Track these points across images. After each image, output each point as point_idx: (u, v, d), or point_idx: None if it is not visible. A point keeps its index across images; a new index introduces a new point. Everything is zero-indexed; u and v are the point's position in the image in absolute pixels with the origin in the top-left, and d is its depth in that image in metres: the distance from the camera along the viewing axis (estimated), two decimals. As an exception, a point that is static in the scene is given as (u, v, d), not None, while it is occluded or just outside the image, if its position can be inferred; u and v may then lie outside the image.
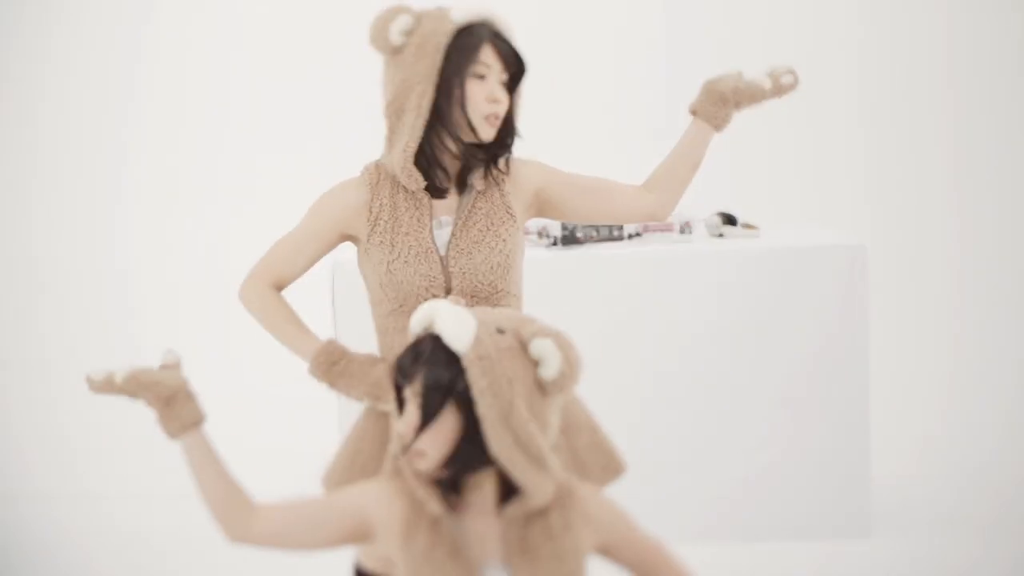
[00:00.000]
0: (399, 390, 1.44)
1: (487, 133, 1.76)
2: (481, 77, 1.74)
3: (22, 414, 3.86)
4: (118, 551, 3.08)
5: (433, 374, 1.40)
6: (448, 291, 1.77)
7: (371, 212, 1.79)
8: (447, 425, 1.40)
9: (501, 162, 1.82)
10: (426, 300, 1.71)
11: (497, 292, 1.81)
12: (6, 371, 3.99)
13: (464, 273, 1.78)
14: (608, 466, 1.88)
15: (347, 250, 1.92)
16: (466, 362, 1.39)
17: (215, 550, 2.86)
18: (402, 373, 1.41)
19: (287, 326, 1.82)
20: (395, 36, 1.74)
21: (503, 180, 1.83)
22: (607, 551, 1.50)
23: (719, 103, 1.86)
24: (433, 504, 1.42)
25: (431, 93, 1.73)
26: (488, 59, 1.73)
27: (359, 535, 1.45)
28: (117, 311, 4.18)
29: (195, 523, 3.10)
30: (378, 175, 1.81)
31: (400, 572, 1.44)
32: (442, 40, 1.72)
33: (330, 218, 1.82)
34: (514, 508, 1.43)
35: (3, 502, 3.43)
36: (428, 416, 1.40)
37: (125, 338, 4.03)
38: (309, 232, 1.83)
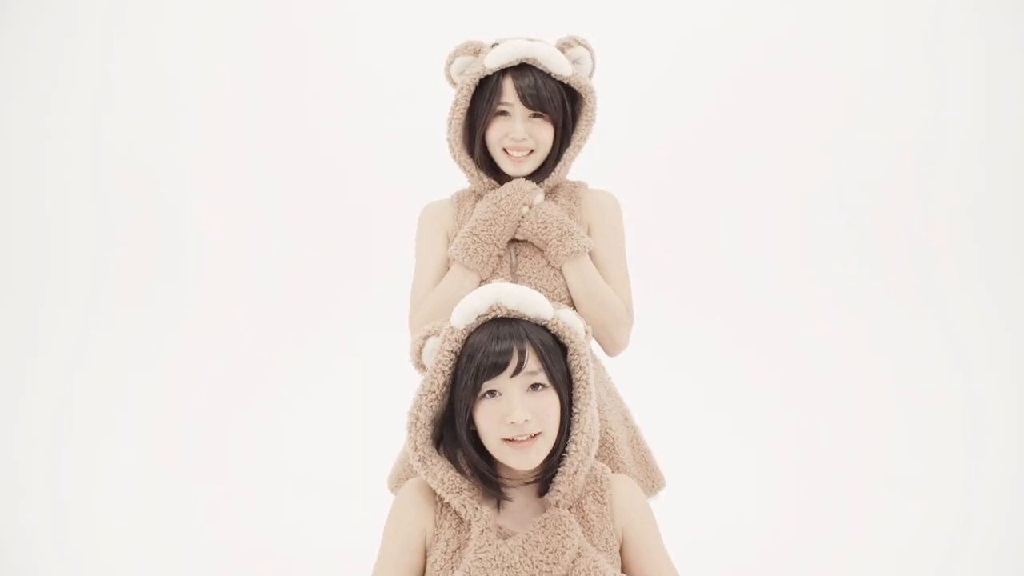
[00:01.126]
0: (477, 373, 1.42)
1: (507, 166, 1.93)
2: (504, 114, 1.90)
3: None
4: (122, 553, 3.10)
5: (553, 353, 1.45)
6: None
7: (457, 221, 1.97)
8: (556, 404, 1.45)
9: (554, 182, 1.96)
10: None
11: (559, 299, 1.92)
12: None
13: (530, 276, 1.92)
14: (646, 480, 1.98)
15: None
16: (571, 335, 1.46)
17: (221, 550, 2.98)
18: (498, 364, 1.40)
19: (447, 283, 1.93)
20: (453, 75, 1.95)
21: (575, 199, 1.99)
22: (622, 543, 1.50)
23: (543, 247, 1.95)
24: (468, 505, 1.45)
25: (458, 129, 1.94)
26: (509, 97, 1.89)
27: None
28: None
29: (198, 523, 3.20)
30: (463, 194, 2.02)
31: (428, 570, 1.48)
32: (468, 82, 1.90)
33: (437, 228, 1.99)
34: (558, 494, 1.46)
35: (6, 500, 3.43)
36: (564, 395, 1.45)
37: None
38: (431, 249, 1.98)
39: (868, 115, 4.22)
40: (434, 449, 1.48)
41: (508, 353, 1.40)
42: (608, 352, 1.98)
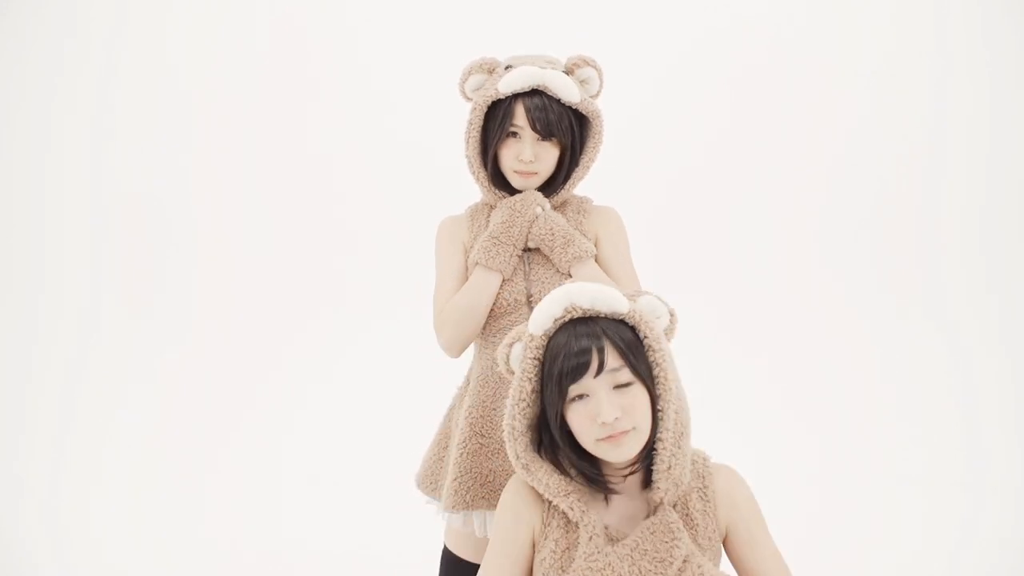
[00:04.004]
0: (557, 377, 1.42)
1: (519, 183, 2.04)
2: (514, 136, 2.00)
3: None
4: (122, 554, 3.08)
5: (634, 349, 1.43)
6: (528, 295, 2.02)
7: (471, 233, 2.08)
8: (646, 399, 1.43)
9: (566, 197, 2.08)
10: (506, 302, 1.99)
11: None
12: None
13: (542, 281, 2.03)
14: None
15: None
16: (646, 329, 1.44)
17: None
18: (579, 366, 1.40)
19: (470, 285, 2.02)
20: (468, 91, 2.05)
21: (583, 213, 2.09)
22: (725, 536, 1.50)
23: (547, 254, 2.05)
24: (576, 508, 1.45)
25: (475, 146, 2.03)
26: (519, 120, 1.98)
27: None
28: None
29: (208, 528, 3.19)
30: (476, 208, 2.13)
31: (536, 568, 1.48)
32: (482, 103, 2.00)
33: (454, 239, 2.09)
34: (659, 491, 1.45)
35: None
36: (652, 387, 1.43)
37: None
38: (451, 258, 2.08)
39: (872, 122, 4.23)
40: (536, 455, 1.48)
41: (587, 354, 1.40)
42: None
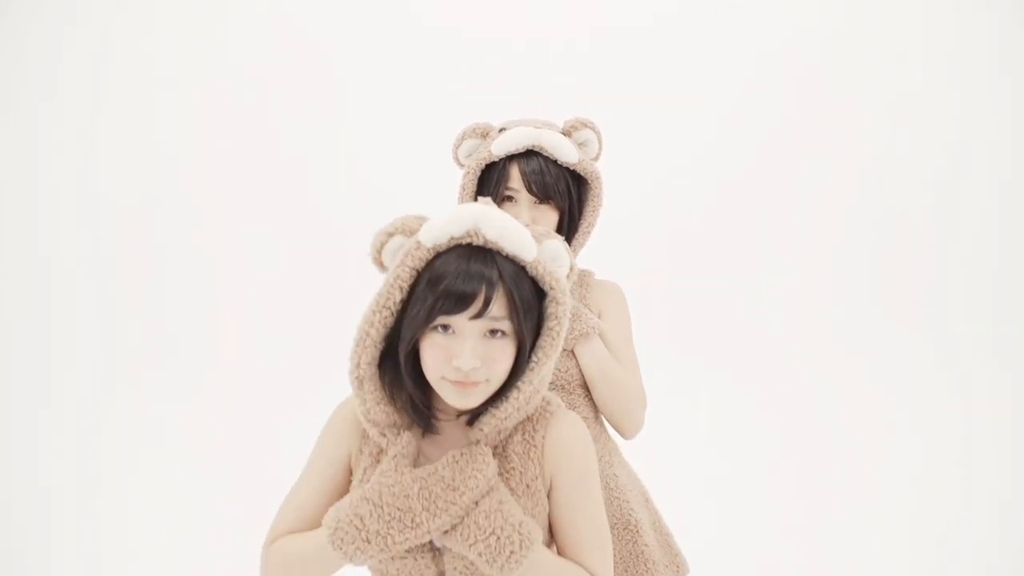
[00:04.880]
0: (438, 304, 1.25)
1: None
2: (510, 199, 1.88)
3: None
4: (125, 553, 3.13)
5: (526, 303, 1.28)
6: None
7: None
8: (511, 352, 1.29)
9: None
10: None
11: (573, 383, 1.88)
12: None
13: None
14: (671, 564, 1.93)
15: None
16: (551, 281, 1.29)
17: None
18: (461, 301, 1.24)
19: None
20: (461, 157, 1.94)
21: (586, 287, 1.96)
22: (550, 490, 1.37)
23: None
24: (390, 437, 1.33)
25: None
26: (515, 183, 1.86)
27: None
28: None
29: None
30: None
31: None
32: (475, 166, 1.89)
33: None
34: (480, 432, 1.34)
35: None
36: (526, 343, 1.28)
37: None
38: None
39: (884, 172, 4.17)
40: (376, 372, 1.31)
41: (475, 292, 1.23)
42: (625, 434, 1.90)
